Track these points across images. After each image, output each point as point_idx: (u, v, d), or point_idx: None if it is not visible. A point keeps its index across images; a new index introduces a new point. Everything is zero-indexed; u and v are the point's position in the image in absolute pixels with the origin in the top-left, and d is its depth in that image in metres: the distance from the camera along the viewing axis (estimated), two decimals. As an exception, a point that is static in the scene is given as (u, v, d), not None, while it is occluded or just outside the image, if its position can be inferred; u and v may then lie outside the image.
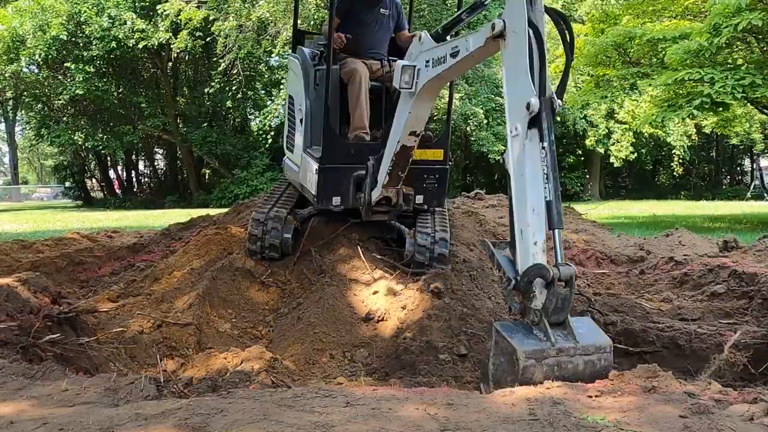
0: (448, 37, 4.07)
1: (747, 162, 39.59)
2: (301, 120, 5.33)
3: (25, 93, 28.85)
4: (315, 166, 4.97)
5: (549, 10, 3.35)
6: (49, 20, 23.94)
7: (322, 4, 19.64)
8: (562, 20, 3.38)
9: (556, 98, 3.21)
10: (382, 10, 5.45)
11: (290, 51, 6.04)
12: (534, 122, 3.15)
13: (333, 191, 4.99)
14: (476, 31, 3.58)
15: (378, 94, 5.25)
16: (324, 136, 4.95)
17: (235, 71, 25.82)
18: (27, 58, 24.57)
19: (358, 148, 4.97)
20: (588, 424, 2.26)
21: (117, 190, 35.73)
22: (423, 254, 5.05)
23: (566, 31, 3.37)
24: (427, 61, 4.04)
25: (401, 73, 4.16)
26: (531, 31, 3.21)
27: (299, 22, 6.41)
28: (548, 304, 2.97)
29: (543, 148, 3.12)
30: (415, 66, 4.12)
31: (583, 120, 26.91)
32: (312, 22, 19.99)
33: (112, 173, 36.98)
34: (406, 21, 5.85)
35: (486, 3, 3.83)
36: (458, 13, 4.07)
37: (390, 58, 5.45)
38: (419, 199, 5.19)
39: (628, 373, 2.92)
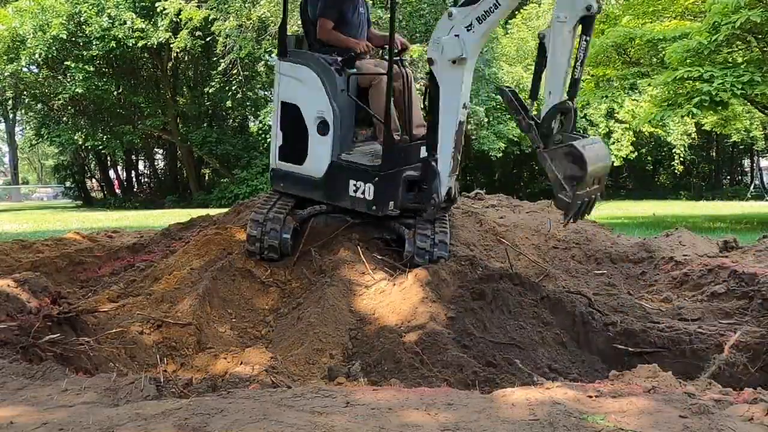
0: None
1: (747, 162, 39.58)
2: (319, 128, 5.28)
3: (25, 93, 28.84)
4: (366, 173, 5.09)
5: None
6: (49, 20, 23.93)
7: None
8: None
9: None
10: (360, 9, 5.67)
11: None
12: (585, 20, 4.06)
13: (390, 196, 5.09)
14: None
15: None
16: (384, 142, 5.07)
17: (235, 71, 25.82)
18: (27, 58, 24.55)
19: (405, 150, 5.15)
20: (588, 424, 2.26)
21: (117, 190, 35.72)
22: (422, 257, 5.04)
23: None
24: (469, 26, 4.47)
25: (448, 48, 4.53)
26: None
27: (291, 26, 6.47)
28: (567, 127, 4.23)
29: (585, 40, 4.09)
30: (458, 35, 4.50)
31: (584, 119, 26.94)
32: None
33: (112, 173, 36.96)
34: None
35: None
36: None
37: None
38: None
39: (628, 373, 2.92)
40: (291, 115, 5.37)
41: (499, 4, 4.36)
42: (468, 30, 4.46)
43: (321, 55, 5.39)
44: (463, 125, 4.86)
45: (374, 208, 5.12)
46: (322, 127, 5.23)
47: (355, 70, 5.33)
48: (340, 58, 5.32)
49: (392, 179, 5.07)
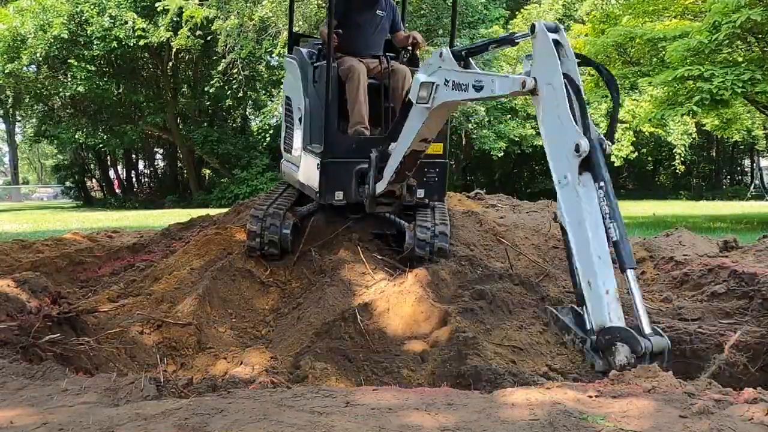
0: (472, 61, 3.99)
1: (747, 162, 39.58)
2: (300, 119, 5.48)
3: (26, 92, 28.83)
4: (316, 162, 5.08)
5: (581, 59, 3.29)
6: (51, 20, 23.93)
7: (324, 5, 19.68)
8: (596, 66, 3.44)
9: (605, 140, 3.09)
10: (378, 11, 5.64)
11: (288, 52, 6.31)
12: (586, 164, 3.03)
13: (335, 186, 5.09)
14: (503, 75, 3.62)
15: (377, 91, 5.40)
16: (325, 131, 5.05)
17: (235, 71, 25.82)
18: (28, 58, 24.55)
19: (358, 143, 5.07)
20: (588, 424, 2.25)
21: (117, 190, 35.73)
22: (423, 248, 5.07)
23: (606, 75, 3.37)
24: (447, 81, 3.93)
25: (419, 89, 4.11)
26: (566, 83, 3.15)
27: (299, 23, 6.71)
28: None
29: (600, 187, 3.01)
30: (434, 83, 4.02)
31: (583, 119, 26.88)
32: (314, 21, 19.97)
33: (112, 173, 36.99)
34: (401, 21, 6.01)
35: (516, 41, 3.74)
36: (486, 41, 4.09)
37: (388, 54, 5.67)
38: (420, 192, 5.31)
39: (628, 373, 2.91)
40: (287, 106, 5.77)
41: (475, 91, 3.69)
42: (445, 84, 3.96)
43: (308, 50, 5.58)
44: (418, 154, 4.63)
45: (318, 195, 5.12)
46: (300, 116, 5.47)
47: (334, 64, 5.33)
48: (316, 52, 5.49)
49: (339, 169, 5.04)
